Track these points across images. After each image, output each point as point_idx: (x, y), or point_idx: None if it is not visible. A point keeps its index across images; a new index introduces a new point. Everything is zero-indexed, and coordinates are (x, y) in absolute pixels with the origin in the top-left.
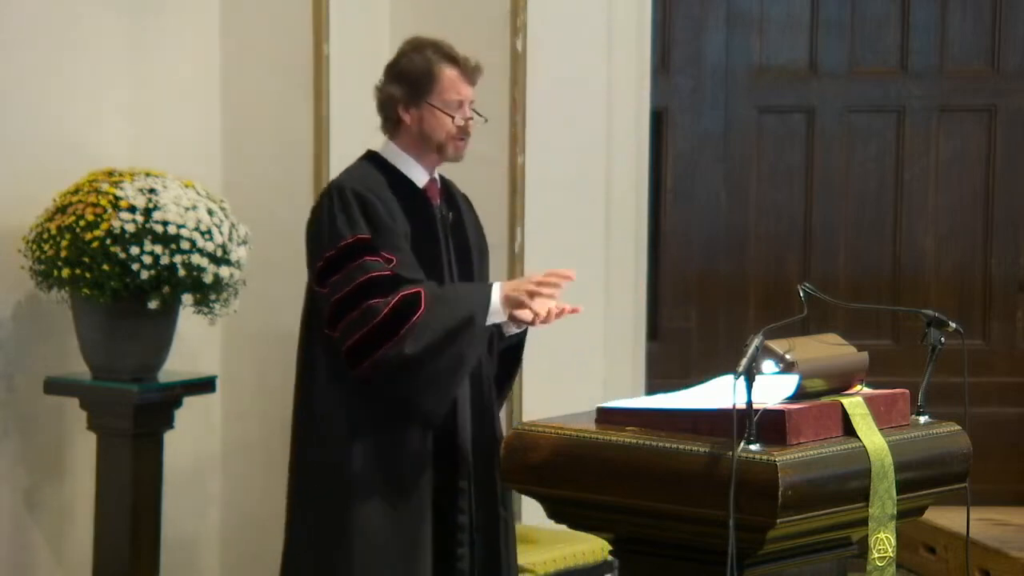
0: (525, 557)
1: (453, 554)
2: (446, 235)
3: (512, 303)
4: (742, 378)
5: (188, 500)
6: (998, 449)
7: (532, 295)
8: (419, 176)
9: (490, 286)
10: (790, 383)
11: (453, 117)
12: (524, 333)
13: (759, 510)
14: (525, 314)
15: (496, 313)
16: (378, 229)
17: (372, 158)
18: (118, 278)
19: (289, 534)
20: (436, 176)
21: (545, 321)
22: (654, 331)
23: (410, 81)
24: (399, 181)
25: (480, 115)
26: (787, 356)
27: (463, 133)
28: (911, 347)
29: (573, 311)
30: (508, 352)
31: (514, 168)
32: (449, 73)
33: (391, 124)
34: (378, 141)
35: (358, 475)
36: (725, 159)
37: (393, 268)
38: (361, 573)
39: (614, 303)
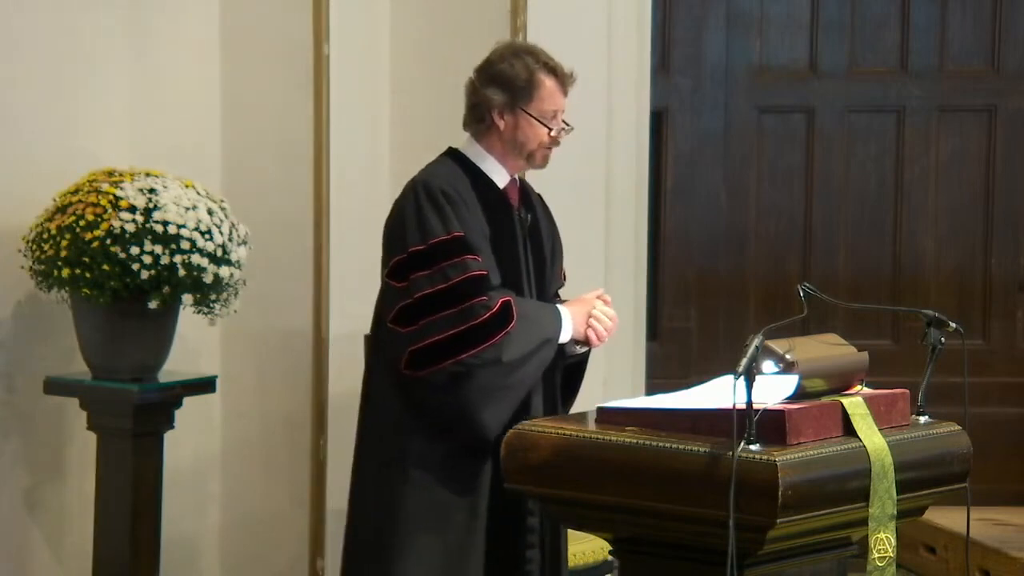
0: None
1: (523, 557)
2: (524, 238)
3: (576, 330)
4: (742, 378)
5: (188, 500)
6: (998, 449)
7: (594, 329)
8: (501, 177)
9: (560, 311)
10: (790, 383)
11: (549, 129)
12: (587, 353)
13: (759, 510)
14: (593, 340)
15: (564, 337)
16: (468, 227)
17: (454, 155)
18: (118, 278)
19: (349, 525)
20: (515, 178)
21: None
22: (654, 331)
23: (510, 87)
24: (481, 181)
25: (569, 125)
26: (787, 356)
27: (553, 143)
28: (911, 347)
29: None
30: (572, 367)
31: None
32: (549, 84)
33: (482, 126)
34: (378, 141)
35: (412, 473)
36: (725, 159)
37: (485, 268)
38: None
39: (614, 303)
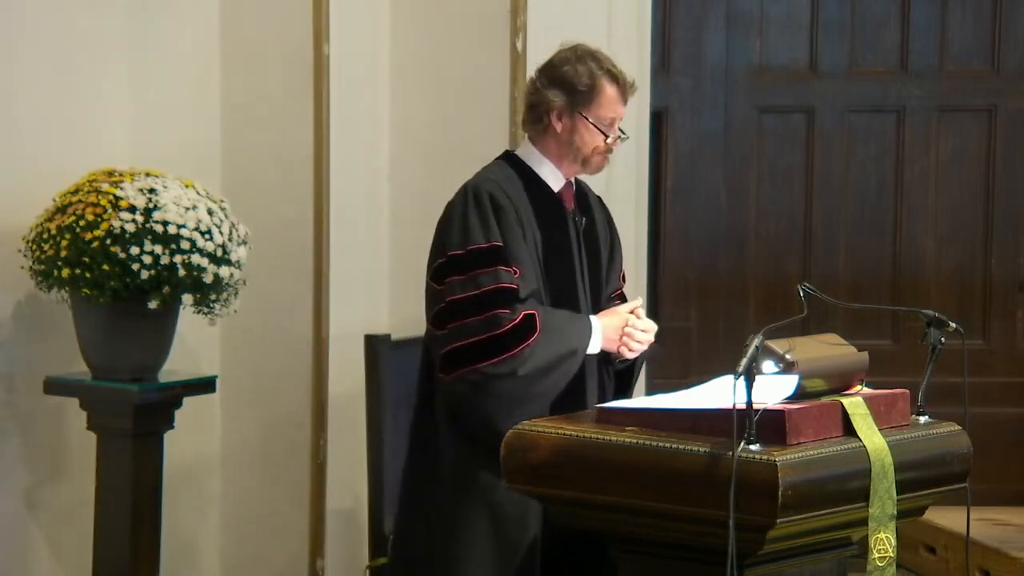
0: None
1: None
2: (579, 242)
3: (609, 342)
4: (742, 378)
5: (188, 500)
6: (998, 449)
7: (624, 344)
8: (555, 181)
9: (590, 323)
10: (790, 383)
11: (607, 136)
12: (641, 360)
13: (759, 510)
14: (625, 354)
15: (594, 347)
16: (507, 239)
17: (509, 158)
18: (118, 278)
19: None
20: (571, 180)
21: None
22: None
23: (571, 91)
24: (535, 184)
25: (624, 134)
26: (787, 356)
27: (608, 151)
28: (911, 347)
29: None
30: (624, 371)
31: None
32: (610, 91)
33: (539, 127)
34: (378, 141)
35: (458, 481)
36: (725, 159)
37: (519, 279)
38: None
39: None
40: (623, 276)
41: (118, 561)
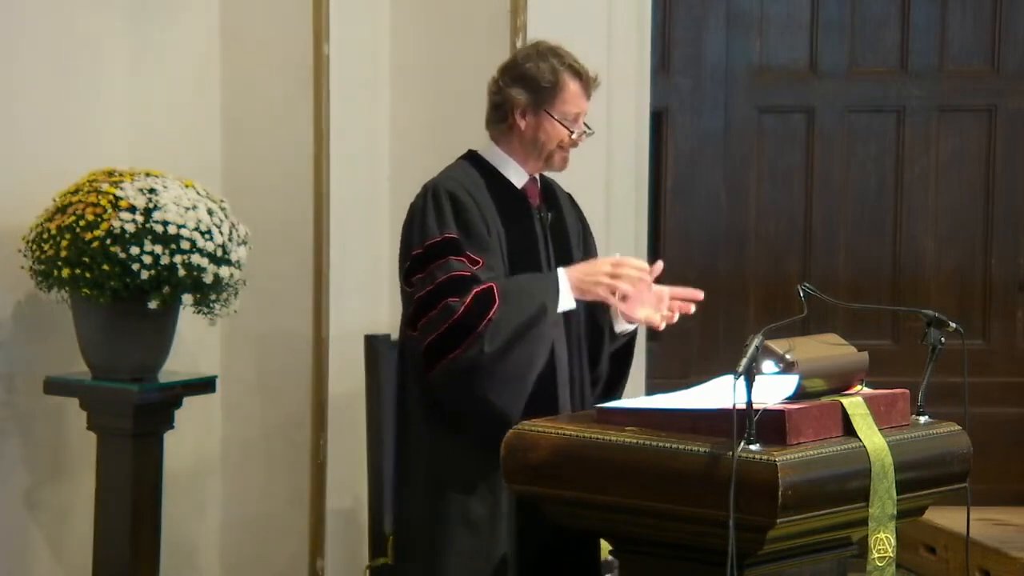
0: None
1: (553, 552)
2: (545, 236)
3: (583, 291)
4: (742, 378)
5: (188, 500)
6: (998, 449)
7: (609, 287)
8: (519, 178)
9: (556, 275)
10: (790, 383)
11: (571, 132)
12: (635, 332)
13: (759, 510)
14: (609, 299)
15: (567, 300)
16: (468, 230)
17: (472, 158)
18: (118, 278)
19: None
20: (536, 176)
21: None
22: (654, 331)
23: (534, 88)
24: (498, 182)
25: (590, 129)
26: (787, 356)
27: (572, 146)
28: (911, 347)
29: (687, 306)
30: (619, 351)
31: None
32: (573, 86)
33: (503, 126)
34: (378, 141)
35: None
36: (725, 159)
37: (477, 269)
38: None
39: None
40: None
41: (118, 561)
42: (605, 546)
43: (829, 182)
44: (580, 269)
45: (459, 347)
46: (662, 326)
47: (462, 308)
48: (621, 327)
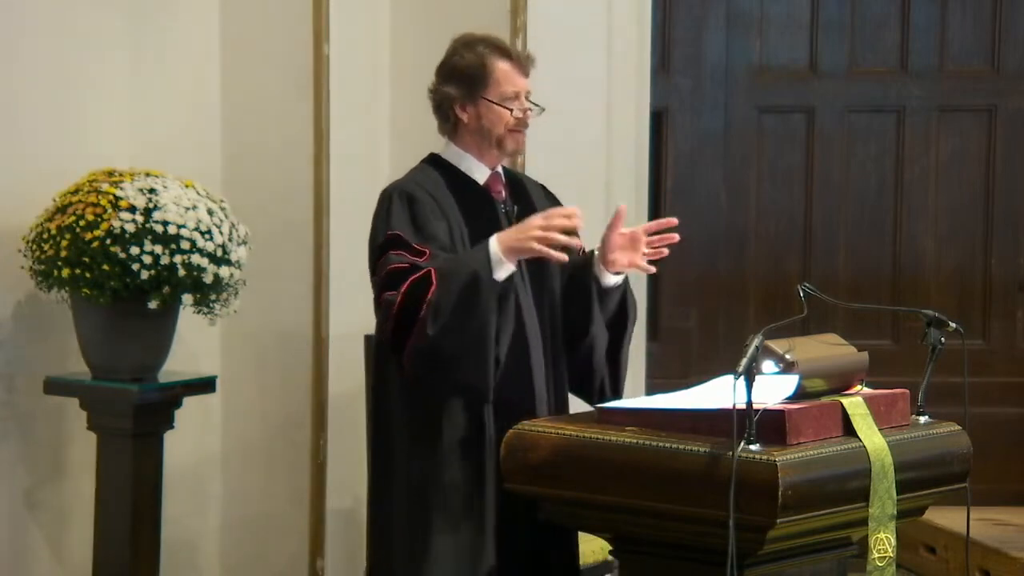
0: None
1: (536, 551)
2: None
3: (517, 251)
4: (742, 378)
5: (188, 500)
6: (998, 449)
7: (542, 240)
8: (480, 173)
9: (487, 241)
10: (790, 383)
11: (511, 110)
12: (626, 286)
13: (759, 510)
14: (545, 251)
15: (500, 265)
16: (415, 222)
17: (432, 160)
18: (118, 278)
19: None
20: (499, 170)
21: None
22: (654, 331)
23: (464, 79)
24: (459, 180)
25: (537, 105)
26: (787, 356)
27: (521, 125)
28: (911, 347)
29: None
30: (615, 315)
31: (514, 167)
32: (502, 66)
33: (449, 125)
34: (378, 141)
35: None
36: (725, 159)
37: (421, 260)
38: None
39: None
40: (582, 250)
41: (118, 561)
42: (605, 546)
43: (829, 182)
44: (512, 229)
45: (410, 337)
46: (651, 268)
47: (399, 299)
48: (607, 280)
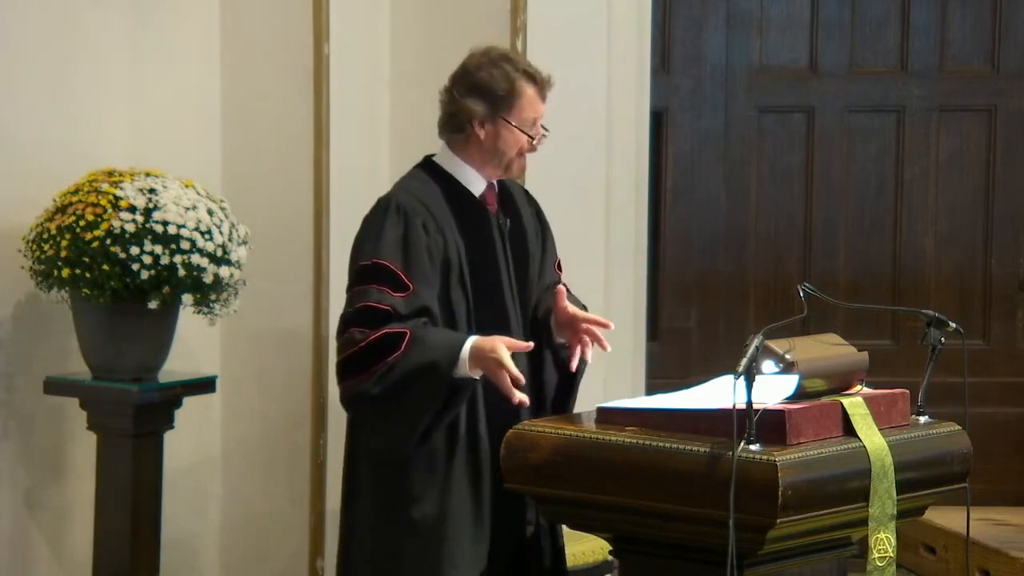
0: None
1: (525, 549)
2: (504, 244)
3: (482, 368)
4: (742, 378)
5: (188, 500)
6: (998, 449)
7: (500, 368)
8: (477, 185)
9: (464, 340)
10: (790, 383)
11: (531, 137)
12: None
13: (759, 510)
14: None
15: (464, 368)
16: (406, 252)
17: (428, 166)
18: (118, 278)
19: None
20: (493, 182)
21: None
22: (654, 331)
23: (490, 97)
24: (456, 191)
25: (546, 130)
26: (787, 356)
27: (530, 151)
28: (911, 347)
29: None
30: (565, 372)
31: None
32: (529, 92)
33: (461, 135)
34: (378, 141)
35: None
36: (725, 159)
37: (402, 296)
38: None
39: (614, 303)
40: (559, 264)
41: (118, 561)
42: (605, 546)
43: (829, 182)
44: (486, 344)
45: (355, 377)
46: (587, 356)
47: (365, 342)
48: (558, 340)
